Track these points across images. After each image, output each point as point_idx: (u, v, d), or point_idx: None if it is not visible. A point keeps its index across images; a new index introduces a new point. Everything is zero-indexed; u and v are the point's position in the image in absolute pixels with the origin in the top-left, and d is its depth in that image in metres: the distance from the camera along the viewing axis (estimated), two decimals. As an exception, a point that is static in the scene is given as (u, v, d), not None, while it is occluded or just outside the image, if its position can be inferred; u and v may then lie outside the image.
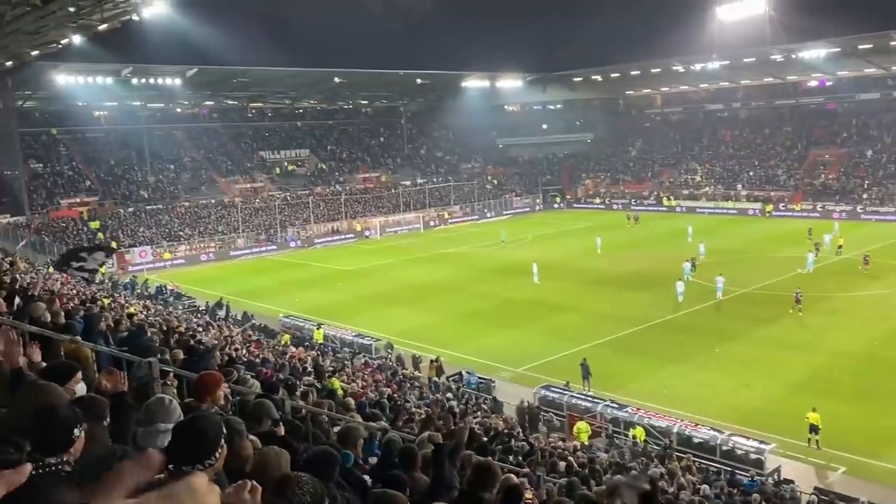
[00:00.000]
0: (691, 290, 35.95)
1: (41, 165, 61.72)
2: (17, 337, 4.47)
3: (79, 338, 6.42)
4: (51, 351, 5.84)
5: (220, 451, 2.94)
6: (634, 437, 20.01)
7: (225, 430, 3.04)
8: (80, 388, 4.09)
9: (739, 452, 18.85)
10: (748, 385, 24.44)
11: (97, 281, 41.22)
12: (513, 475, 5.34)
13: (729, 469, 18.15)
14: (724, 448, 19.02)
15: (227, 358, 9.88)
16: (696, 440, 19.61)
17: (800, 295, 32.32)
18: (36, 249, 47.57)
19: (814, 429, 19.74)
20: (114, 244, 53.77)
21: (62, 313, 9.14)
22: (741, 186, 72.27)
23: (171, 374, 6.06)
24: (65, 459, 3.06)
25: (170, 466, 2.83)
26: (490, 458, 6.73)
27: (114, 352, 6.01)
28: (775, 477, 18.22)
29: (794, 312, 31.95)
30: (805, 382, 24.38)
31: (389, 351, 29.38)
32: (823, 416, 19.87)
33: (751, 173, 73.87)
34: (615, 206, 76.99)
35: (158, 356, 6.04)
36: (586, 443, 19.53)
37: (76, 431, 3.11)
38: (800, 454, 19.66)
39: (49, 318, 7.51)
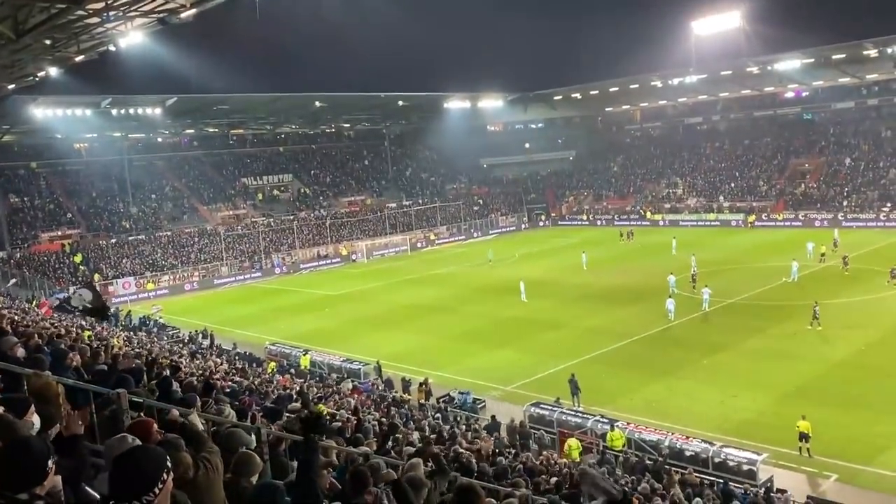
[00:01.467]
0: (678, 303, 35.94)
1: (21, 199, 61.23)
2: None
3: (48, 372, 6.24)
4: (20, 386, 5.66)
5: (160, 486, 2.80)
6: (610, 443, 19.99)
7: (169, 462, 2.91)
8: (36, 420, 3.96)
9: (732, 464, 18.73)
10: (734, 395, 24.39)
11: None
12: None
13: (721, 481, 18.01)
14: (717, 460, 18.90)
15: (202, 387, 9.69)
16: (687, 453, 19.47)
17: (817, 309, 30.95)
18: (17, 285, 46.97)
19: (804, 437, 19.67)
20: (97, 276, 53.22)
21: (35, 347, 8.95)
22: (723, 198, 72.79)
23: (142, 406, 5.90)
24: (37, 493, 2.93)
25: (110, 502, 2.71)
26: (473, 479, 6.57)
27: (79, 384, 5.84)
28: (768, 487, 18.11)
29: (812, 328, 30.73)
30: (794, 392, 24.35)
31: (377, 375, 29.11)
32: (814, 424, 19.83)
33: (732, 185, 74.45)
34: (599, 223, 77.39)
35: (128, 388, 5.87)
36: (577, 459, 19.34)
37: (49, 463, 2.98)
38: (792, 463, 19.56)
39: (21, 353, 7.32)
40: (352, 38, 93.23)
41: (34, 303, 38.35)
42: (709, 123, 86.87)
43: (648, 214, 74.60)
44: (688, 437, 20.23)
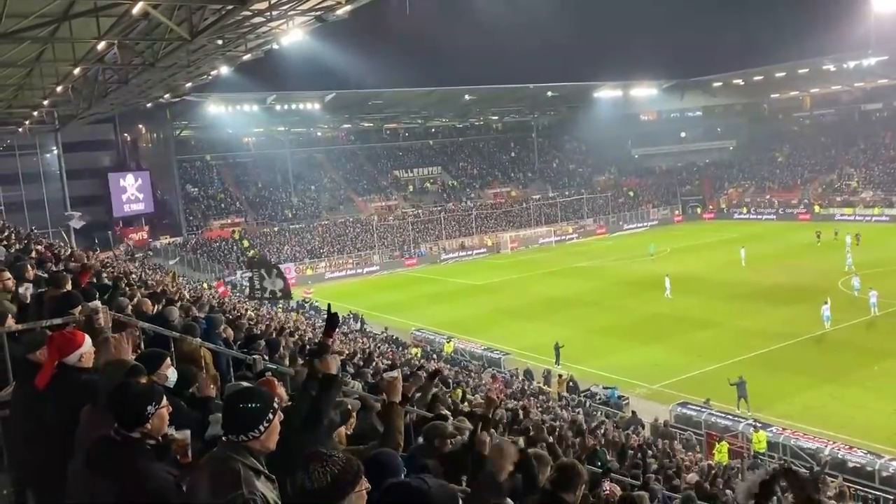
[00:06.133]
0: (845, 304, 33.09)
1: (196, 189, 66.78)
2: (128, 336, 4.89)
3: (198, 339, 6.76)
4: (168, 348, 6.20)
5: (265, 423, 2.96)
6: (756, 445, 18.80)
7: (276, 403, 3.08)
8: (171, 374, 4.32)
9: (902, 479, 17.08)
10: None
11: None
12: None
13: (891, 497, 16.48)
14: (884, 474, 17.27)
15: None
16: (850, 464, 17.95)
17: None
18: (191, 267, 51.29)
19: None
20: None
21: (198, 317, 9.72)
22: (905, 191, 66.17)
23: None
24: (144, 433, 3.21)
25: (222, 437, 2.92)
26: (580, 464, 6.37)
27: (221, 349, 6.29)
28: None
29: None
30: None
31: (556, 355, 29.51)
32: None
33: (917, 177, 67.49)
34: (762, 216, 72.78)
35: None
36: (726, 462, 18.39)
37: (150, 408, 3.24)
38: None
39: (180, 322, 7.98)
40: (501, 29, 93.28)
41: (206, 283, 41.73)
42: (890, 110, 78.99)
43: (817, 208, 69.21)
44: (851, 448, 18.66)
